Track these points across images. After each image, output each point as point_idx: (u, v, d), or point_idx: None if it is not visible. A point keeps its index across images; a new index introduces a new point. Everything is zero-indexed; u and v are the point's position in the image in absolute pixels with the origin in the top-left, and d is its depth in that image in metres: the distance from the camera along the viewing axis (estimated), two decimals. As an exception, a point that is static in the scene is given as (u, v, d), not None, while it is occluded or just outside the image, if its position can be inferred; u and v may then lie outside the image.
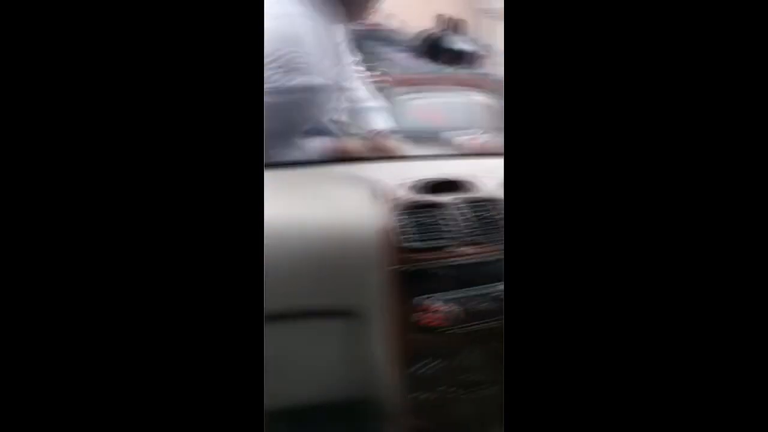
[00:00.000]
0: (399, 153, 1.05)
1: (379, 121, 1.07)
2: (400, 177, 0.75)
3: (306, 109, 0.86)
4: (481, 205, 0.73)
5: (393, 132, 1.07)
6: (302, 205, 0.68)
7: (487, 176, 0.81)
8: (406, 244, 0.65)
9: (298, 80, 0.80)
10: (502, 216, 0.72)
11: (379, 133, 1.05)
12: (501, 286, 0.68)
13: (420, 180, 0.74)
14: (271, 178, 0.77)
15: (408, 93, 1.72)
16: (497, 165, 0.84)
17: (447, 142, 1.44)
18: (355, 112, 1.07)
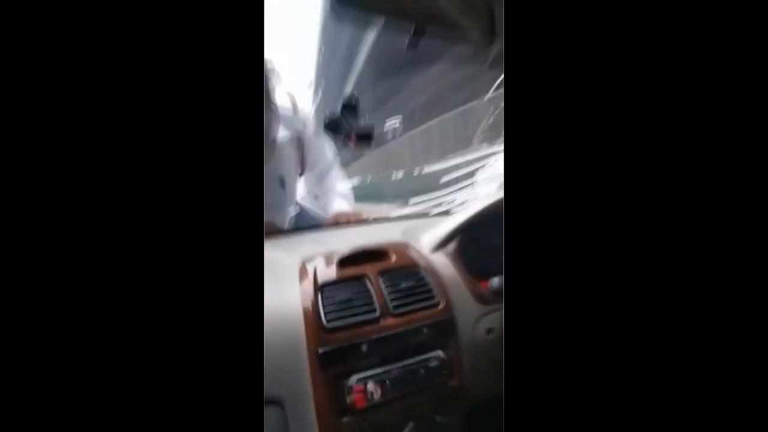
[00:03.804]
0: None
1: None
2: (320, 250, 0.74)
3: None
4: (403, 273, 0.72)
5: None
6: None
7: (412, 240, 0.82)
8: (327, 324, 0.63)
9: None
10: (423, 282, 0.72)
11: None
12: (429, 356, 0.67)
13: (338, 253, 0.73)
14: None
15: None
16: (425, 228, 0.87)
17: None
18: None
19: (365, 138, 0.66)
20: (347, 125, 0.66)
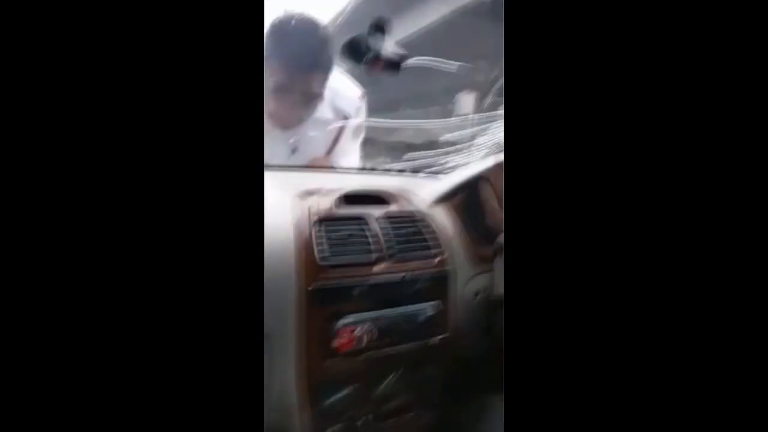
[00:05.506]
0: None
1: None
2: (322, 187, 0.70)
3: None
4: (403, 220, 0.69)
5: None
6: None
7: (413, 191, 0.78)
8: (320, 261, 0.59)
9: None
10: (425, 231, 0.69)
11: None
12: (422, 306, 0.64)
13: (341, 191, 0.69)
14: None
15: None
16: (424, 182, 0.83)
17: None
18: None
19: (393, 65, 0.59)
20: (374, 49, 0.58)
